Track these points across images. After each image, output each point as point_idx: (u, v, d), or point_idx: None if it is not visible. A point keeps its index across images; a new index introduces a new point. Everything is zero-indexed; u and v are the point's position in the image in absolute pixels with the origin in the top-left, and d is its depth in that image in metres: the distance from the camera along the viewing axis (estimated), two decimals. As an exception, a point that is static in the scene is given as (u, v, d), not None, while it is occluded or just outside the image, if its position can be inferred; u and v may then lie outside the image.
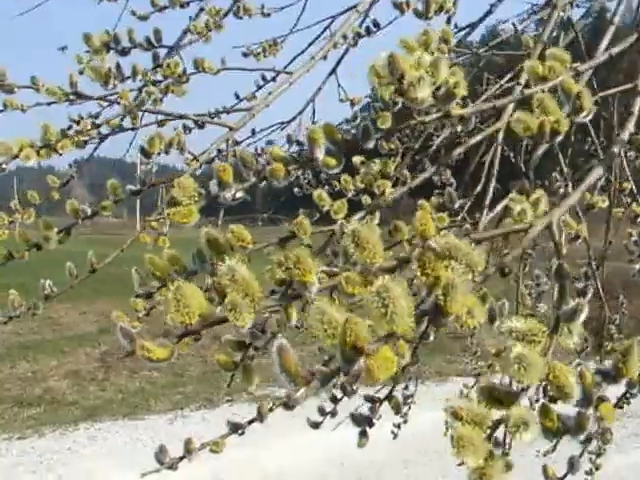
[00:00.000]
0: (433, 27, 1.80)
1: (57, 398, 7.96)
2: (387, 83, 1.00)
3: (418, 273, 0.79)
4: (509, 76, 2.48)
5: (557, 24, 2.15)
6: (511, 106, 1.65)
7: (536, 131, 1.09)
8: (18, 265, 1.86)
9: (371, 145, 1.14)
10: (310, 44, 3.24)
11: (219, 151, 2.41)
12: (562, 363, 0.90)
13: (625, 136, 1.33)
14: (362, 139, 1.13)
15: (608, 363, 0.94)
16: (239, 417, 1.90)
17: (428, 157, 2.38)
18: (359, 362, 0.67)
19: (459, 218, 1.81)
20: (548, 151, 2.42)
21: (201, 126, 2.71)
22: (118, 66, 1.96)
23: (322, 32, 3.32)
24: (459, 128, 1.71)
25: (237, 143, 2.96)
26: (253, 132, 3.22)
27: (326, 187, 2.79)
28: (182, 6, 2.62)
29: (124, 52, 2.14)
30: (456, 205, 1.76)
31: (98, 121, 2.18)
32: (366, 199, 1.89)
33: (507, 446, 0.95)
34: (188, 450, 1.45)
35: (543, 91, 1.17)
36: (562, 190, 2.36)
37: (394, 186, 1.91)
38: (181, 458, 1.46)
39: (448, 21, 2.82)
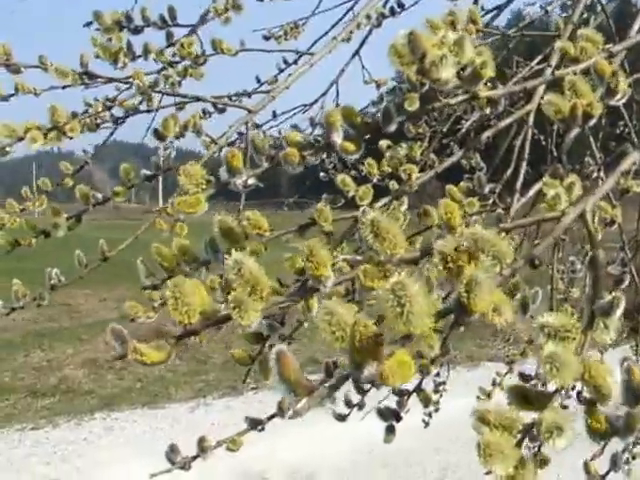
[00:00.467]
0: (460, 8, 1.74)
1: (73, 387, 7.94)
2: (408, 63, 0.93)
3: (440, 267, 0.73)
4: (539, 58, 2.40)
5: (585, 6, 2.08)
6: (542, 88, 1.58)
7: (568, 114, 1.03)
8: (37, 251, 1.82)
9: (393, 128, 1.07)
10: (333, 26, 3.16)
11: (240, 134, 2.35)
12: (598, 360, 0.84)
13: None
14: (383, 122, 1.06)
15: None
16: (264, 405, 1.85)
17: (456, 141, 2.31)
18: (370, 368, 0.61)
19: (489, 203, 1.74)
20: (579, 135, 2.34)
21: (222, 110, 2.65)
22: (129, 44, 1.90)
23: (345, 14, 3.25)
24: (488, 111, 1.63)
25: (258, 126, 2.90)
26: (274, 115, 3.16)
27: (352, 172, 2.74)
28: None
29: (137, 30, 2.08)
30: (486, 190, 1.69)
31: (110, 103, 2.12)
32: (392, 184, 1.82)
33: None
34: (202, 449, 1.39)
35: (575, 73, 1.10)
36: (595, 174, 2.29)
37: (421, 171, 1.85)
38: (195, 457, 1.40)
39: (475, 2, 2.74)
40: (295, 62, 2.90)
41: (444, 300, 0.77)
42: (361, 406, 1.77)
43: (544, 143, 2.65)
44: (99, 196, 1.88)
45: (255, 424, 1.45)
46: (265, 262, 0.82)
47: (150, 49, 2.00)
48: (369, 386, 1.86)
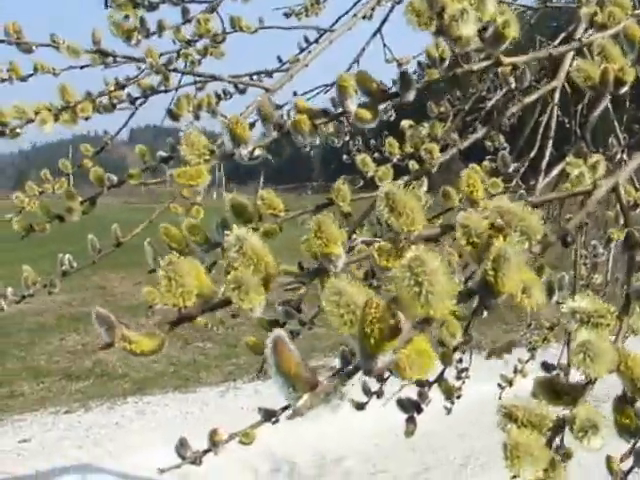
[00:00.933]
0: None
1: (107, 371, 7.96)
2: (426, 21, 0.84)
3: (463, 242, 0.64)
4: (563, 36, 2.28)
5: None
6: (568, 60, 1.49)
7: (599, 80, 0.93)
8: (68, 232, 1.77)
9: (412, 97, 0.98)
10: (355, 3, 3.06)
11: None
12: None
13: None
14: (401, 89, 0.97)
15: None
16: None
17: (480, 119, 2.21)
18: (384, 358, 0.52)
19: (513, 183, 1.65)
20: (604, 117, 2.23)
21: (242, 91, 2.59)
22: (142, 21, 1.83)
23: (367, -10, 3.14)
24: (512, 85, 1.55)
25: (278, 107, 2.82)
26: (295, 94, 3.08)
27: (375, 154, 2.65)
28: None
29: (152, 7, 2.01)
30: (510, 169, 1.59)
31: (124, 82, 2.06)
32: (413, 165, 1.74)
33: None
34: (214, 442, 1.33)
35: (603, 39, 1.01)
36: (618, 156, 2.19)
37: (443, 151, 1.76)
38: (206, 451, 1.34)
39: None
40: (317, 41, 2.82)
41: (466, 283, 0.68)
42: (379, 394, 1.70)
43: (568, 125, 2.53)
44: (114, 178, 1.82)
45: (269, 416, 1.38)
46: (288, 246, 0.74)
47: (164, 26, 1.93)
48: (388, 374, 1.80)
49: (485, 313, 1.56)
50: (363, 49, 3.06)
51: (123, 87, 2.06)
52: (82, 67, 2.17)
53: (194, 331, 8.71)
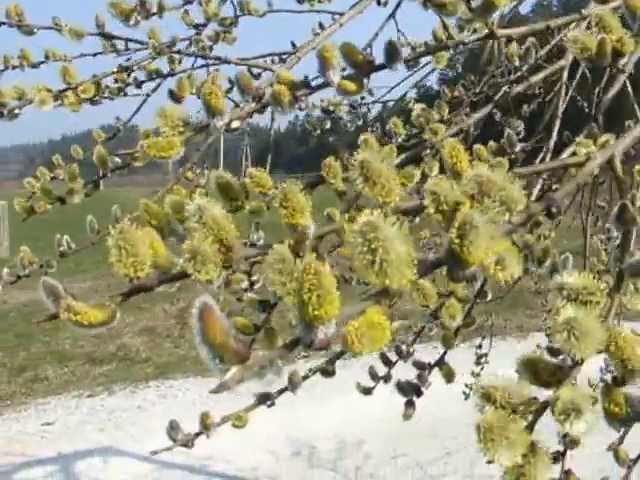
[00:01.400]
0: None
1: (130, 355, 8.03)
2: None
3: (431, 210, 0.60)
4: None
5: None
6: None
7: (595, 52, 0.88)
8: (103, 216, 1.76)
9: (398, 67, 0.94)
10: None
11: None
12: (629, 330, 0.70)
13: None
14: (387, 59, 0.93)
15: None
16: (318, 375, 1.77)
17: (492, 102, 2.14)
18: (325, 329, 0.48)
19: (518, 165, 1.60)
20: (622, 100, 2.17)
21: (256, 76, 2.55)
22: (142, 1, 1.80)
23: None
24: (517, 63, 1.50)
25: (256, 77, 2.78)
26: (305, 78, 3.03)
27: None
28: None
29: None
30: (517, 148, 1.54)
31: (128, 65, 2.03)
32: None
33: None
34: (205, 425, 1.31)
35: (603, 10, 0.96)
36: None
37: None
38: (198, 434, 1.32)
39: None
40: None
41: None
42: (387, 379, 1.67)
43: (587, 110, 2.46)
44: (118, 161, 1.80)
45: (264, 399, 1.35)
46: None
47: (164, 6, 1.89)
48: (395, 358, 1.76)
49: (489, 296, 1.52)
50: (377, 34, 3.00)
51: (126, 69, 2.03)
52: (94, 54, 2.16)
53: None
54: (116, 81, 2.08)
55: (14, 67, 1.98)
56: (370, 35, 3.08)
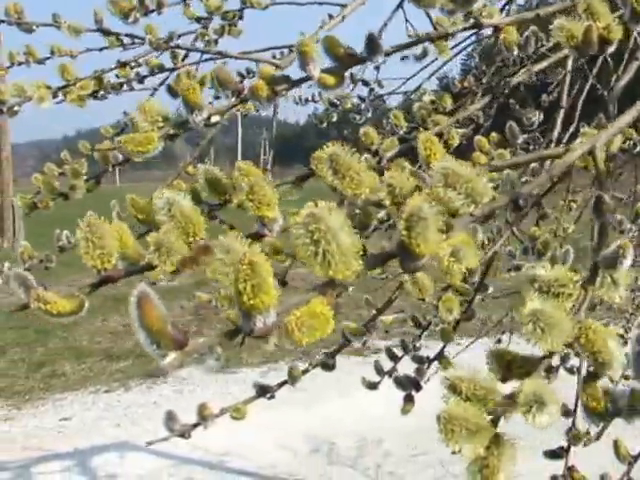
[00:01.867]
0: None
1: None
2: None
3: (387, 202, 0.60)
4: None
5: None
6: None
7: (581, 39, 0.88)
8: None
9: (380, 59, 0.94)
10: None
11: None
12: (599, 322, 0.70)
13: None
14: (367, 51, 0.93)
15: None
16: (337, 372, 1.78)
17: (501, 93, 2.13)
18: (263, 318, 0.48)
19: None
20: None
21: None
22: (141, -2, 1.81)
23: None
24: (515, 52, 1.48)
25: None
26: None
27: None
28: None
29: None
30: (519, 140, 1.53)
31: (127, 60, 2.04)
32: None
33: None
34: (203, 417, 1.32)
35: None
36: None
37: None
38: (195, 425, 1.33)
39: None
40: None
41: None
42: (392, 373, 1.67)
43: (605, 95, 2.43)
44: (119, 156, 1.81)
45: (264, 391, 1.36)
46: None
47: (163, 3, 1.90)
48: (401, 353, 1.75)
49: (490, 289, 1.51)
50: (385, 24, 2.99)
51: (125, 65, 2.04)
52: (101, 49, 2.17)
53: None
54: (117, 77, 2.10)
55: (20, 63, 2.00)
56: (378, 26, 3.08)
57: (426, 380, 1.56)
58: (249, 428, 1.36)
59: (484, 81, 2.28)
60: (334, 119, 2.95)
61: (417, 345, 1.77)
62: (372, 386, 1.82)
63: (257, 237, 0.70)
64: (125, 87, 2.14)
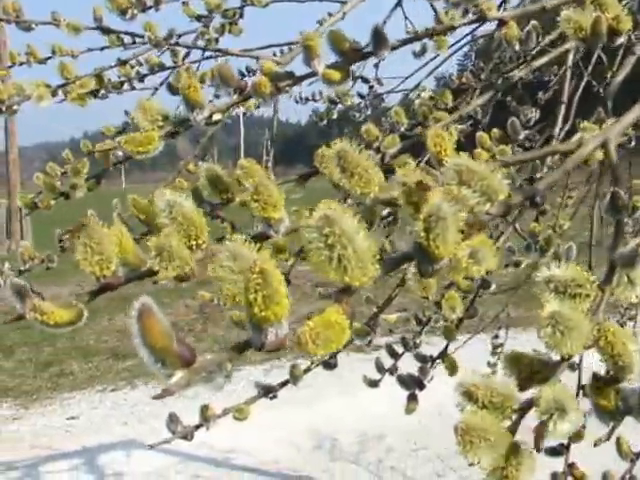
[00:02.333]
0: None
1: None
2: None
3: (402, 202, 0.57)
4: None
5: None
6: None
7: (590, 31, 0.85)
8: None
9: (386, 54, 0.91)
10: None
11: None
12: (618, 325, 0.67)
13: None
14: (374, 47, 0.90)
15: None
16: (340, 369, 1.76)
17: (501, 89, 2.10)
18: (275, 330, 0.45)
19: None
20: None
21: (243, 74, 2.53)
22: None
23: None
24: (517, 47, 1.45)
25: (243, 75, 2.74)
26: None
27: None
28: None
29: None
30: (521, 136, 1.50)
31: (127, 58, 2.02)
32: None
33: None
34: (205, 418, 1.30)
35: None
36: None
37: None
38: (197, 427, 1.31)
39: None
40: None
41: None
42: (393, 371, 1.64)
43: (602, 92, 2.40)
44: (120, 154, 1.79)
45: (266, 391, 1.34)
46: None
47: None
48: (402, 350, 1.73)
49: (493, 286, 1.48)
50: (384, 22, 2.96)
51: (124, 63, 2.01)
52: (102, 49, 2.14)
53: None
54: (118, 76, 2.07)
55: (21, 63, 1.98)
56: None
57: (430, 379, 1.54)
58: (253, 426, 1.35)
59: (482, 77, 2.25)
60: (334, 116, 2.92)
61: (417, 342, 1.75)
62: (373, 384, 1.80)
63: (262, 238, 0.67)
64: (126, 86, 2.11)
